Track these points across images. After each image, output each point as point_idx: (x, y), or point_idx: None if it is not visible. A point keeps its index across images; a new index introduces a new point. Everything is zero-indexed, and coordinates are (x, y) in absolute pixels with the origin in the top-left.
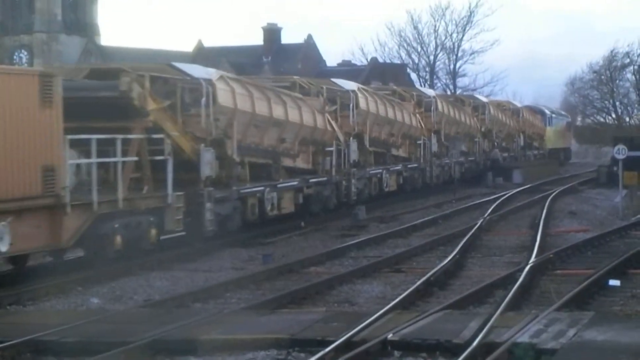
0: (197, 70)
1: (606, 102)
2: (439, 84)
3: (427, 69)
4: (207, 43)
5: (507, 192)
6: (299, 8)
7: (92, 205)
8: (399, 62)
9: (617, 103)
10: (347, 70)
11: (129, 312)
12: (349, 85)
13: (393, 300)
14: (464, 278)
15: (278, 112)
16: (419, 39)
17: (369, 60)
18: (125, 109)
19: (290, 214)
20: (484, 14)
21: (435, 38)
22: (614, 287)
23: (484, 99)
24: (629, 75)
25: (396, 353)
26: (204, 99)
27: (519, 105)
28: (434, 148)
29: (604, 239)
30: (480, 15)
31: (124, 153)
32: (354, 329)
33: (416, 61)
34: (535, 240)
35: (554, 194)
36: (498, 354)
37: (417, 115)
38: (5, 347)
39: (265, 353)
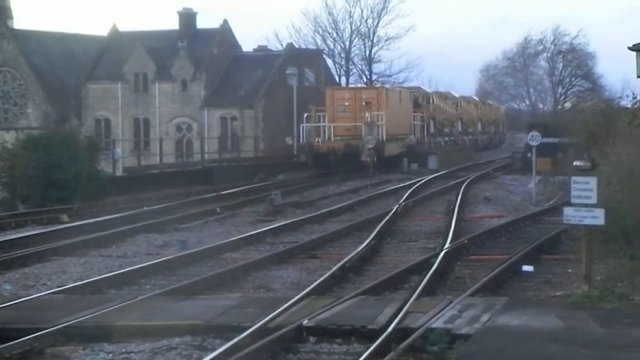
0: (427, 89)
1: (520, 88)
2: (354, 70)
3: (342, 55)
4: (122, 27)
5: (423, 178)
6: None
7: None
8: (314, 47)
9: (531, 90)
10: (263, 55)
11: (42, 298)
12: (429, 90)
13: (309, 286)
14: (380, 264)
15: (448, 107)
16: (334, 24)
17: (284, 46)
18: (416, 104)
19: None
20: None
21: (351, 24)
22: (527, 272)
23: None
24: (542, 63)
25: (311, 339)
26: (431, 101)
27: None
28: (459, 128)
29: (517, 225)
30: (395, 1)
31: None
32: (269, 315)
33: (332, 47)
34: (450, 226)
35: (469, 180)
36: (413, 340)
37: (456, 108)
38: None
39: (180, 339)
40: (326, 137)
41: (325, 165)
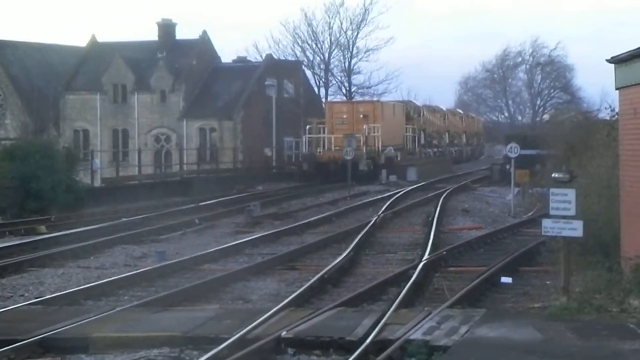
0: (417, 103)
1: (499, 100)
2: (333, 81)
3: (322, 66)
4: (101, 38)
5: (401, 189)
6: (193, 4)
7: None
8: (293, 59)
9: (510, 102)
10: (242, 66)
11: (20, 309)
12: (420, 104)
13: (287, 297)
14: (358, 275)
15: (436, 120)
16: (314, 36)
17: (263, 57)
18: (408, 117)
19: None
20: (379, 11)
21: (330, 35)
22: (505, 284)
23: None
24: (521, 74)
25: (290, 350)
26: (421, 114)
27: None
28: (447, 140)
29: (496, 237)
30: (375, 13)
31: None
32: (247, 326)
33: (311, 58)
34: (429, 238)
35: (447, 192)
36: (391, 351)
37: (443, 120)
38: None
39: (158, 351)
40: (326, 148)
41: (326, 174)
